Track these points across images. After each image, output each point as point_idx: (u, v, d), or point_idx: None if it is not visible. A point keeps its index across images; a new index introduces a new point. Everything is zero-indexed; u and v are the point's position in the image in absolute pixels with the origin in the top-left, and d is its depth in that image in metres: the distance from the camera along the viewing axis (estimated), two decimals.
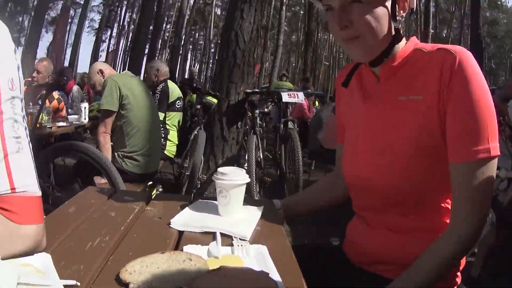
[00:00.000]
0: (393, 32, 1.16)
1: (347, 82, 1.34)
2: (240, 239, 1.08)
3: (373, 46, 1.16)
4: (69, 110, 5.76)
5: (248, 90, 4.64)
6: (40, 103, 4.21)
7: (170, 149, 4.62)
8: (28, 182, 0.87)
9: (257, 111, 4.77)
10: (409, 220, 1.20)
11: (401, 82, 1.19)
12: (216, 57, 11.67)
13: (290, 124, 4.70)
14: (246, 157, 4.25)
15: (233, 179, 1.25)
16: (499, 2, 37.86)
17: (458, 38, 36.56)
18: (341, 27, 1.13)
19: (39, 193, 0.90)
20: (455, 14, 37.96)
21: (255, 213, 1.31)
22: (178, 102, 4.86)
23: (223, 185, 1.25)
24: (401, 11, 1.17)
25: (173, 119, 4.74)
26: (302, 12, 41.58)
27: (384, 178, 1.19)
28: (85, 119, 4.86)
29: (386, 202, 1.22)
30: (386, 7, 1.12)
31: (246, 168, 4.10)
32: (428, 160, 1.13)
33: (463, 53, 1.07)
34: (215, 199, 1.32)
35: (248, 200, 1.37)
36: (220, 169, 1.28)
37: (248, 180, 1.28)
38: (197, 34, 48.21)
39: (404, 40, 1.21)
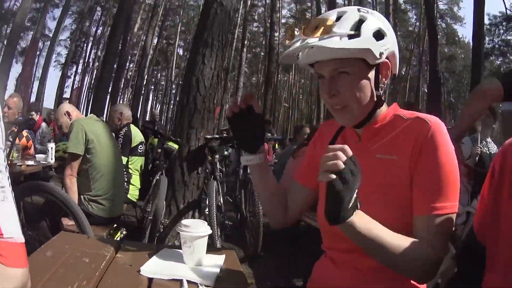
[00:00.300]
0: (375, 99, 1.32)
1: (333, 142, 1.48)
2: (205, 285, 1.21)
3: (358, 115, 1.32)
4: (38, 146, 5.80)
5: (208, 136, 4.70)
6: (10, 139, 4.28)
7: (133, 193, 4.66)
8: (13, 230, 0.89)
9: (217, 156, 4.85)
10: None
11: (380, 142, 1.33)
12: (177, 99, 11.53)
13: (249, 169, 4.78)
14: (207, 202, 4.29)
15: (196, 231, 1.39)
16: (456, 38, 38.77)
17: (417, 75, 36.96)
18: (329, 96, 1.29)
19: (23, 240, 0.92)
20: (414, 52, 38.88)
21: (217, 260, 1.44)
22: (140, 147, 4.92)
23: (187, 236, 1.38)
24: (384, 79, 1.31)
25: (136, 163, 4.79)
26: (262, 53, 41.96)
27: None
28: (51, 159, 4.92)
29: None
30: (369, 78, 1.29)
31: (207, 212, 4.17)
32: (400, 211, 1.26)
33: (436, 124, 1.25)
34: (179, 247, 1.45)
35: (211, 248, 1.49)
36: (183, 222, 1.42)
37: (210, 232, 1.42)
38: (159, 75, 47.90)
39: (385, 105, 1.38)
